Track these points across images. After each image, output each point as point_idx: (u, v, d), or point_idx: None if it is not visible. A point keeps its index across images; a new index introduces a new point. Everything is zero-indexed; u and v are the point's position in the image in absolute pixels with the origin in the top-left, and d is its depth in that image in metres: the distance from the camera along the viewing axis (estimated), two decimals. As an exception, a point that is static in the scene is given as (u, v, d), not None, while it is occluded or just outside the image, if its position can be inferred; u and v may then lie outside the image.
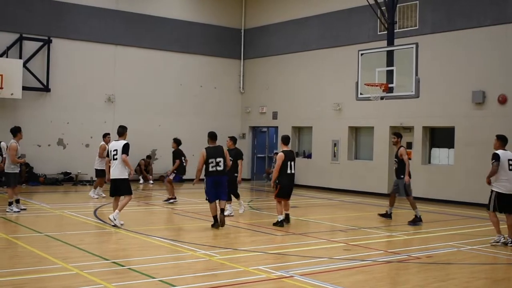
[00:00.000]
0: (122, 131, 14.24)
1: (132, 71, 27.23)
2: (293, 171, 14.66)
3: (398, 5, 20.18)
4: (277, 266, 9.93)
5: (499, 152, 13.52)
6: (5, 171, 16.17)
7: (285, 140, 14.93)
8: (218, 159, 14.07)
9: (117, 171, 13.91)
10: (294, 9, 27.88)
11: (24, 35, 24.40)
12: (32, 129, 24.32)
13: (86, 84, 25.92)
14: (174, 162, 19.79)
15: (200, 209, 18.16)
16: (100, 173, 19.74)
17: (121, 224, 13.83)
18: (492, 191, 13.38)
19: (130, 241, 12.45)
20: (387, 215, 16.49)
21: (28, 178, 24.08)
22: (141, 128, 26.52)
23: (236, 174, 16.13)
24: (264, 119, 29.58)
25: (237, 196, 16.65)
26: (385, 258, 11.07)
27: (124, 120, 26.11)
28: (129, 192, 14.10)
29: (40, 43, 24.75)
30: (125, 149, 13.88)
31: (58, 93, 25.15)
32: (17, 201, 16.35)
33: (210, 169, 14.05)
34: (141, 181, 26.48)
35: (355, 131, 25.42)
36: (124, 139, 14.15)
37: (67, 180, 25.12)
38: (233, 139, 17.11)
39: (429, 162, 22.61)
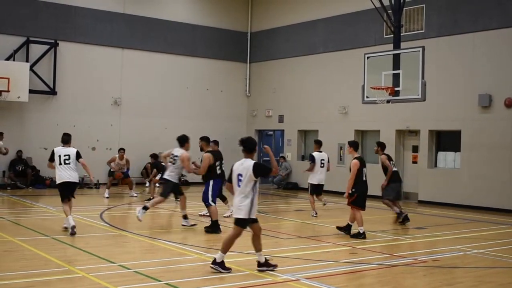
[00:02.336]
0: (68, 139, 14.40)
1: (139, 75, 27.27)
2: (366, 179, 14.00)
3: (404, 9, 20.17)
4: (283, 270, 9.91)
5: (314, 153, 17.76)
6: None
7: (356, 145, 14.26)
8: (222, 162, 14.65)
9: (74, 175, 14.04)
10: (300, 12, 27.88)
11: (31, 39, 24.48)
12: (39, 132, 24.41)
13: (92, 87, 25.98)
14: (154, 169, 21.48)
15: (206, 212, 18.18)
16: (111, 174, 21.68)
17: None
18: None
19: (136, 244, 12.46)
20: (403, 217, 16.19)
21: (34, 181, 24.12)
22: (147, 131, 26.57)
23: None
24: (270, 123, 29.58)
25: (224, 199, 17.04)
26: (391, 262, 11.04)
27: (130, 123, 26.32)
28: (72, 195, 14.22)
29: (47, 47, 24.82)
30: (79, 154, 14.27)
31: (64, 96, 25.21)
32: None
33: (218, 172, 14.38)
34: (147, 184, 26.47)
35: (361, 134, 25.39)
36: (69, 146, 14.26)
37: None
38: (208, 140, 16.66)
39: (436, 166, 22.56)
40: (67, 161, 14.11)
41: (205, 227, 14.37)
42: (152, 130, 26.98)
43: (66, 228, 13.63)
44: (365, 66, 18.11)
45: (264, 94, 29.81)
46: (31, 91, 23.67)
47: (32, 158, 24.38)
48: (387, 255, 11.82)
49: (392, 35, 19.06)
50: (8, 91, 22.66)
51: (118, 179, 22.38)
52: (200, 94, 29.14)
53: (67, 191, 14.03)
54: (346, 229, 14.06)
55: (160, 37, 27.93)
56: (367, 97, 17.92)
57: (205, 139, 15.58)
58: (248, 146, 9.89)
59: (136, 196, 21.55)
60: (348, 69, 24.91)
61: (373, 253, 11.88)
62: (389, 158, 16.86)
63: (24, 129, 24.12)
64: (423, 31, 22.47)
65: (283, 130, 28.94)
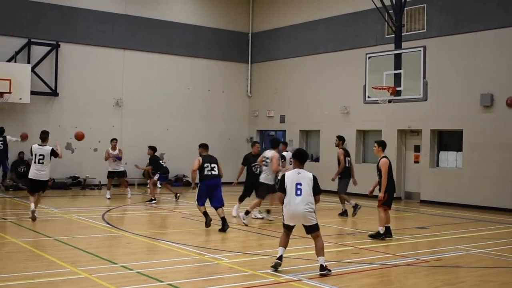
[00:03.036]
0: (44, 137, 15.83)
1: (140, 76, 27.29)
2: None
3: (405, 8, 20.17)
4: (286, 270, 9.91)
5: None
6: None
7: (384, 145, 14.06)
8: (212, 165, 14.70)
9: (44, 174, 15.54)
10: (302, 12, 27.89)
11: (32, 40, 24.50)
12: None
13: (94, 88, 26.00)
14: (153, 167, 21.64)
15: (208, 213, 18.18)
16: (111, 175, 21.88)
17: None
18: None
19: (139, 245, 12.47)
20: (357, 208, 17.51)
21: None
22: (149, 132, 26.58)
23: None
24: (272, 123, 29.59)
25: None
26: (393, 262, 11.05)
27: (132, 124, 26.34)
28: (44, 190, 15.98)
29: (48, 48, 24.84)
30: (54, 153, 15.65)
31: (66, 97, 25.24)
32: None
33: (206, 172, 14.59)
34: (149, 185, 26.47)
35: (362, 134, 25.39)
36: (47, 144, 15.75)
37: (75, 184, 25.19)
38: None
39: (437, 165, 22.55)
40: (41, 161, 15.55)
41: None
42: (153, 131, 26.99)
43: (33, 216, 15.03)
44: (366, 66, 18.10)
45: (266, 94, 29.82)
46: (32, 93, 23.69)
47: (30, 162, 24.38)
48: (389, 255, 11.82)
49: (393, 35, 19.06)
50: (10, 92, 22.70)
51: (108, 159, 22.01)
52: (202, 95, 29.15)
53: (36, 187, 15.61)
54: (387, 233, 13.66)
55: (161, 38, 27.95)
56: (368, 97, 17.91)
57: (203, 146, 15.58)
58: (301, 158, 10.26)
59: (129, 198, 21.53)
60: (349, 69, 24.90)
61: (375, 253, 11.89)
62: (346, 154, 18.02)
63: (26, 130, 24.11)
64: (425, 30, 22.46)
65: (284, 131, 28.93)
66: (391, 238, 13.60)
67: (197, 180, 14.63)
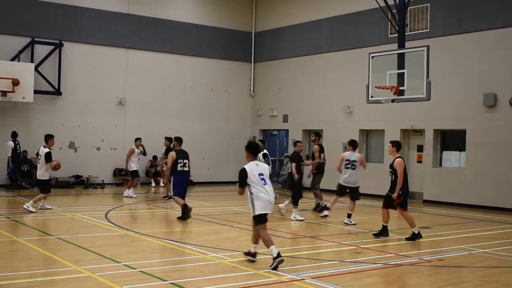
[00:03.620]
0: (45, 139, 17.12)
1: (143, 75, 27.30)
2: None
3: (409, 8, 20.14)
4: (288, 269, 9.91)
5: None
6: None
7: (399, 145, 14.07)
8: (185, 161, 15.98)
9: (39, 173, 16.99)
10: (305, 12, 27.88)
11: (35, 39, 24.52)
12: (44, 132, 24.14)
13: (97, 87, 26.02)
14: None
15: (211, 212, 18.19)
16: (135, 174, 21.82)
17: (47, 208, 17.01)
18: None
19: (141, 244, 12.48)
20: (324, 208, 17.75)
21: (40, 189, 24.10)
22: (152, 131, 26.59)
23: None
24: (275, 122, 29.58)
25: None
26: (396, 261, 11.04)
27: (135, 123, 26.34)
28: (44, 191, 17.07)
29: (52, 47, 24.86)
30: (47, 157, 16.68)
31: (69, 96, 25.25)
32: None
33: (179, 168, 15.91)
34: (153, 184, 26.50)
35: (365, 134, 25.38)
36: (47, 147, 16.90)
37: (78, 183, 25.21)
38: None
39: (440, 165, 22.54)
40: (39, 160, 17.03)
41: (178, 217, 15.97)
42: (156, 130, 26.98)
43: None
44: (369, 65, 18.08)
45: (269, 94, 29.82)
46: (36, 92, 23.71)
47: (35, 161, 24.42)
48: (392, 254, 11.82)
49: (396, 35, 19.03)
50: (13, 91, 22.71)
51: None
52: (205, 94, 29.15)
53: (36, 185, 17.47)
54: (383, 232, 13.76)
55: (164, 38, 27.95)
56: (371, 96, 17.90)
57: (177, 139, 17.07)
58: (254, 151, 10.73)
59: (130, 197, 21.39)
60: (352, 69, 24.89)
61: (378, 253, 11.88)
62: (321, 150, 18.68)
63: (29, 129, 24.16)
64: (428, 30, 22.44)
65: (287, 130, 28.93)
66: (387, 237, 13.61)
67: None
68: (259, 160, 18.06)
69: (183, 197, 15.94)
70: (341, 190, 16.42)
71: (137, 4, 27.16)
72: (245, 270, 9.83)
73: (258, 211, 10.21)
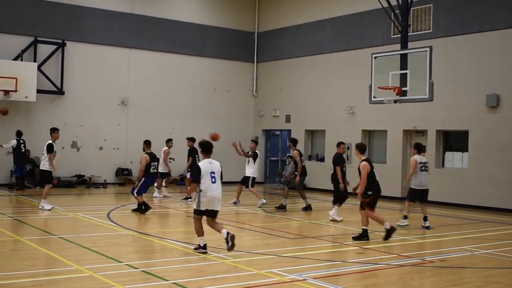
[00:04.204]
0: (51, 132, 17.78)
1: (146, 74, 27.31)
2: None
3: (412, 9, 20.13)
4: (290, 269, 9.91)
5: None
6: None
7: (363, 148, 14.25)
8: (155, 163, 17.43)
9: (42, 163, 17.47)
10: (308, 12, 27.87)
11: (38, 39, 24.55)
12: (46, 131, 24.28)
13: (100, 87, 26.04)
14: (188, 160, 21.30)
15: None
16: (164, 175, 21.83)
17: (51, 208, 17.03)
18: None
19: (144, 244, 12.48)
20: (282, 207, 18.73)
21: (41, 180, 24.15)
22: (154, 131, 26.56)
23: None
24: (277, 122, 29.58)
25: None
26: (398, 262, 11.03)
27: (137, 123, 26.35)
28: (47, 182, 17.43)
29: (55, 47, 24.88)
30: (48, 149, 17.18)
31: (72, 96, 25.28)
32: None
33: (151, 171, 17.18)
34: (155, 184, 26.44)
35: (368, 134, 25.36)
36: (52, 140, 17.52)
37: (81, 183, 25.22)
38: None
39: (443, 166, 22.52)
40: (42, 153, 17.58)
41: (132, 209, 17.08)
42: (159, 130, 26.98)
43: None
44: (372, 66, 18.09)
45: (271, 94, 29.81)
46: (38, 91, 23.74)
47: (40, 158, 24.41)
48: (395, 255, 11.81)
49: (399, 35, 19.03)
50: (16, 91, 22.75)
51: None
52: (207, 94, 29.16)
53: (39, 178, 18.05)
54: (364, 235, 13.62)
55: (167, 37, 27.96)
56: (374, 97, 17.90)
57: (146, 142, 18.14)
58: (207, 149, 11.57)
59: (165, 196, 21.65)
60: (355, 69, 24.87)
61: (380, 253, 11.88)
62: (301, 154, 19.15)
63: (32, 128, 24.18)
64: (431, 31, 22.42)
65: (290, 130, 28.92)
66: (368, 241, 13.33)
67: None
68: (248, 162, 19.79)
69: (142, 194, 17.06)
70: (415, 195, 16.16)
71: (140, 3, 27.17)
72: (246, 270, 9.83)
73: (203, 207, 11.15)
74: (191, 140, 21.58)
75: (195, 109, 28.68)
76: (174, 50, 28.14)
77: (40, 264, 10.05)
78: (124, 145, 26.25)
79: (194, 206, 11.25)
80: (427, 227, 15.52)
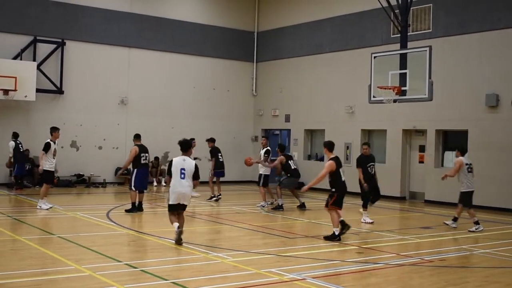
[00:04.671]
0: (51, 131, 17.89)
1: (145, 74, 27.31)
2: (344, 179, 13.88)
3: (411, 8, 20.13)
4: (290, 269, 9.92)
5: None
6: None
7: (331, 146, 13.86)
8: (146, 154, 17.17)
9: (42, 162, 17.60)
10: (307, 12, 27.87)
11: (38, 38, 24.53)
12: (46, 131, 24.29)
13: (99, 86, 26.03)
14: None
15: (213, 211, 18.22)
16: None
17: (49, 208, 17.07)
18: None
19: (143, 243, 12.49)
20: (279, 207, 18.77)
21: (41, 180, 24.13)
22: (154, 131, 26.58)
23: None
24: (277, 122, 29.58)
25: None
26: (398, 261, 11.04)
27: (137, 123, 26.33)
28: (46, 182, 17.51)
29: (54, 46, 24.87)
30: (44, 147, 17.47)
31: (71, 95, 25.27)
32: None
33: (142, 161, 16.99)
34: (155, 183, 26.48)
35: (367, 134, 25.36)
36: (52, 139, 17.74)
37: (80, 182, 25.21)
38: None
39: (442, 165, 22.52)
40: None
41: (125, 209, 17.08)
42: (158, 129, 27.00)
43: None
44: (371, 65, 18.09)
45: (271, 93, 29.81)
46: (38, 90, 23.73)
47: (39, 157, 24.40)
48: (394, 254, 11.81)
49: (399, 35, 19.02)
50: (15, 90, 22.74)
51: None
52: (207, 93, 29.15)
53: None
54: (337, 236, 13.42)
55: (167, 37, 27.95)
56: (373, 96, 17.90)
57: (136, 136, 18.13)
58: (184, 147, 12.33)
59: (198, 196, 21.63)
60: (354, 69, 24.87)
61: (380, 253, 11.88)
62: (289, 158, 19.71)
63: (31, 128, 24.19)
64: (430, 30, 22.42)
65: (289, 130, 28.93)
66: (339, 241, 13.20)
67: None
68: (260, 157, 19.65)
69: (142, 190, 17.10)
70: (469, 198, 16.03)
71: (139, 3, 27.16)
72: (246, 270, 9.83)
73: (171, 201, 12.04)
74: (211, 140, 21.79)
75: (195, 108, 28.67)
76: (174, 49, 28.12)
77: (39, 263, 10.05)
78: (123, 144, 26.22)
79: (167, 202, 12.22)
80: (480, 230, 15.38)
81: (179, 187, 11.92)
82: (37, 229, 13.79)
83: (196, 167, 12.12)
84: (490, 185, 20.59)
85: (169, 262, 10.53)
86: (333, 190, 13.42)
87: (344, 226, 13.30)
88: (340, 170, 13.48)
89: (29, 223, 14.61)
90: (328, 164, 13.37)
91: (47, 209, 16.94)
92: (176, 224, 11.94)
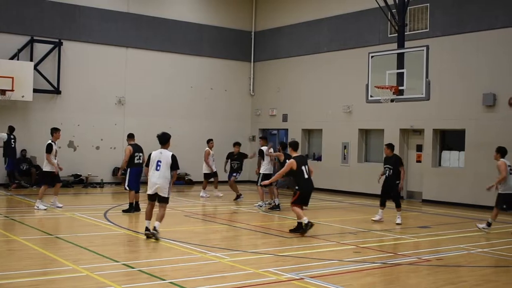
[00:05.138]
0: (52, 132, 17.95)
1: (143, 74, 27.29)
2: (309, 176, 14.06)
3: (408, 8, 20.13)
4: (287, 269, 9.92)
5: None
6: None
7: (295, 145, 14.43)
8: (140, 154, 17.20)
9: (44, 166, 17.73)
10: (305, 11, 27.87)
11: (35, 38, 24.50)
12: (43, 131, 24.33)
13: (96, 86, 26.00)
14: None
15: (210, 211, 18.22)
16: (207, 176, 22.24)
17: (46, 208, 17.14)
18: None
19: (140, 243, 12.48)
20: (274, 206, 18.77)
21: (38, 180, 24.12)
22: (151, 131, 26.30)
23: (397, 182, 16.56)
24: (274, 122, 29.58)
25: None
26: (395, 261, 11.05)
27: (134, 122, 26.31)
28: (44, 183, 17.59)
29: (51, 46, 24.84)
30: (46, 148, 17.51)
31: (68, 95, 25.24)
32: None
33: (136, 161, 17.01)
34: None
35: (365, 133, 25.38)
36: (52, 140, 17.77)
37: (78, 182, 25.19)
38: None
39: (440, 165, 22.54)
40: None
41: (123, 210, 17.10)
42: (156, 129, 26.47)
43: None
44: (369, 65, 18.09)
45: (268, 93, 29.81)
46: (35, 90, 23.70)
47: (36, 157, 24.40)
48: (391, 254, 11.82)
49: (396, 34, 19.02)
50: (12, 90, 22.70)
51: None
52: (204, 93, 29.14)
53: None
54: (299, 228, 13.71)
55: (164, 36, 27.93)
56: (371, 96, 17.91)
57: (129, 135, 18.28)
58: (161, 140, 13.12)
59: (221, 196, 21.96)
60: (352, 68, 24.88)
61: (377, 252, 11.89)
62: (288, 157, 18.43)
63: (28, 128, 24.17)
64: (428, 30, 22.43)
65: (287, 129, 28.93)
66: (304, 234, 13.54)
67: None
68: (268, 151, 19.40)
69: (137, 190, 17.01)
70: (505, 200, 15.26)
71: (137, 3, 27.14)
72: (243, 270, 9.84)
73: (148, 191, 12.69)
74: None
75: (192, 108, 28.66)
76: (171, 49, 28.11)
77: (37, 263, 10.04)
78: (121, 144, 26.18)
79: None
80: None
81: (153, 178, 12.52)
82: (35, 229, 13.77)
83: (174, 158, 12.68)
84: (487, 185, 20.56)
85: (167, 262, 10.53)
86: (297, 188, 13.89)
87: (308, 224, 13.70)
88: (303, 168, 13.91)
89: (27, 224, 14.59)
90: (289, 163, 13.95)
91: (44, 209, 16.93)
92: (148, 222, 12.67)
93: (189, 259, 10.77)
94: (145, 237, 12.56)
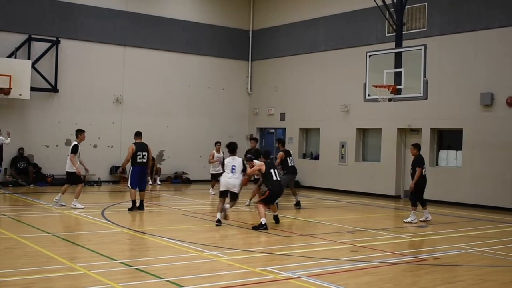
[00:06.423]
0: (77, 134, 18.03)
1: (141, 72, 27.27)
2: (279, 178, 15.25)
3: (406, 7, 20.15)
4: (284, 267, 9.92)
5: None
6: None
7: (266, 154, 15.79)
8: (144, 153, 17.18)
9: (67, 166, 17.79)
10: (302, 10, 27.87)
11: (32, 36, 24.47)
12: (40, 129, 24.44)
13: (94, 85, 25.98)
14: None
15: (208, 210, 18.21)
16: (214, 176, 21.97)
17: (76, 207, 17.28)
18: None
19: (138, 242, 12.48)
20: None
21: (36, 178, 24.12)
22: (149, 129, 26.44)
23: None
24: (272, 121, 29.58)
25: (423, 204, 16.64)
26: (392, 260, 11.05)
27: (132, 121, 26.29)
28: (72, 183, 17.74)
29: (49, 44, 24.80)
30: (72, 149, 17.65)
31: (66, 93, 25.21)
32: None
33: (138, 160, 17.06)
34: (150, 182, 26.44)
35: (362, 132, 25.39)
36: (78, 141, 17.89)
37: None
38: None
39: (437, 164, 22.56)
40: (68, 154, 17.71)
41: (128, 208, 17.05)
42: (153, 128, 26.95)
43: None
44: (367, 64, 18.09)
45: (266, 92, 29.81)
46: (32, 89, 23.66)
47: (34, 156, 24.40)
48: (389, 253, 11.82)
49: (394, 33, 19.04)
50: (10, 88, 22.68)
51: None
52: (202, 92, 29.13)
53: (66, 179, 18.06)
54: (261, 226, 14.19)
55: (162, 35, 27.91)
56: (368, 95, 17.92)
57: (136, 134, 18.12)
58: (234, 148, 15.05)
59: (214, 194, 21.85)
60: (349, 67, 24.88)
61: (374, 251, 11.89)
62: (288, 155, 19.43)
63: (26, 126, 24.15)
64: (425, 29, 22.44)
65: (284, 128, 28.93)
66: (266, 230, 13.97)
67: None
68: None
69: (141, 188, 17.13)
70: None
71: (134, 1, 27.11)
72: (241, 268, 9.84)
73: (220, 189, 14.69)
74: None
75: (190, 107, 28.65)
76: (168, 48, 28.10)
77: (34, 261, 10.02)
78: (118, 143, 26.20)
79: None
80: None
81: (229, 179, 14.63)
82: (32, 227, 13.75)
83: (243, 163, 14.92)
84: (484, 184, 20.64)
85: (164, 260, 10.52)
86: (268, 188, 14.99)
87: (277, 221, 15.16)
88: (272, 171, 15.01)
89: (24, 222, 14.57)
90: (258, 164, 15.27)
91: (82, 208, 17.22)
92: (219, 214, 14.63)
93: (186, 258, 10.76)
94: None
